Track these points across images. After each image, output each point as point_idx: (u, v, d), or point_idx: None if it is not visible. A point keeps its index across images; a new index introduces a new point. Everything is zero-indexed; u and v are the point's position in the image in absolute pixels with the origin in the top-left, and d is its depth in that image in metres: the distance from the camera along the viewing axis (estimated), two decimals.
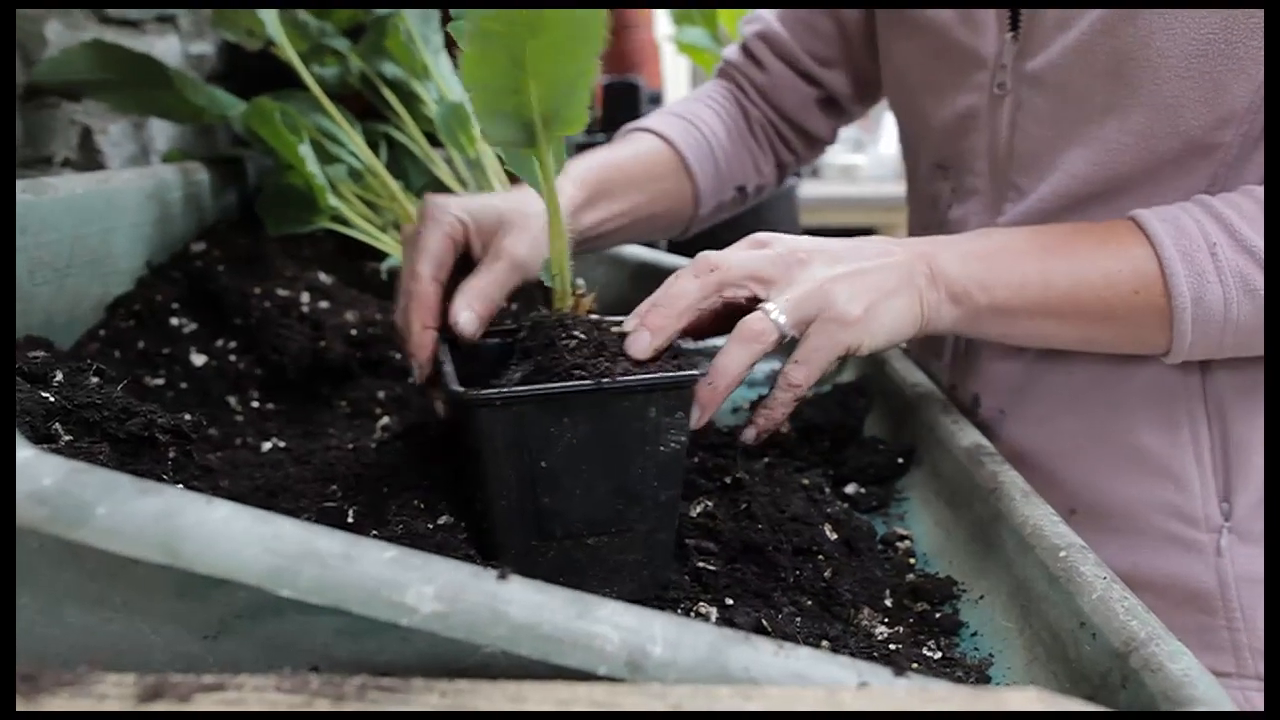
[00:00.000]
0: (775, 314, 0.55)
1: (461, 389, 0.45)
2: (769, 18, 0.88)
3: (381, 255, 0.87)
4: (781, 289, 0.56)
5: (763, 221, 1.60)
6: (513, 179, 0.95)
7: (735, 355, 0.55)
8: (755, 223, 1.13)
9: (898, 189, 3.05)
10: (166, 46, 1.01)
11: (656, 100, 2.12)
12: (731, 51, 0.92)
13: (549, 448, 0.47)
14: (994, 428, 0.73)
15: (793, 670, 0.30)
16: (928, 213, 0.79)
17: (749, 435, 0.60)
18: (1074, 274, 0.59)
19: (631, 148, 0.81)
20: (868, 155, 3.17)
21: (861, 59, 0.86)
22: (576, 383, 0.46)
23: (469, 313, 0.57)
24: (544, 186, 0.48)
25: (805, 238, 0.60)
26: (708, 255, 0.57)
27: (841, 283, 0.57)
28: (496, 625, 0.29)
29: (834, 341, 0.56)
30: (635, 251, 1.04)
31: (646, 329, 0.53)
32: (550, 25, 0.42)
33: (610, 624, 0.29)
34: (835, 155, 3.16)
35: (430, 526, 0.52)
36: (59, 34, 0.84)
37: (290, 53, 0.82)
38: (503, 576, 0.30)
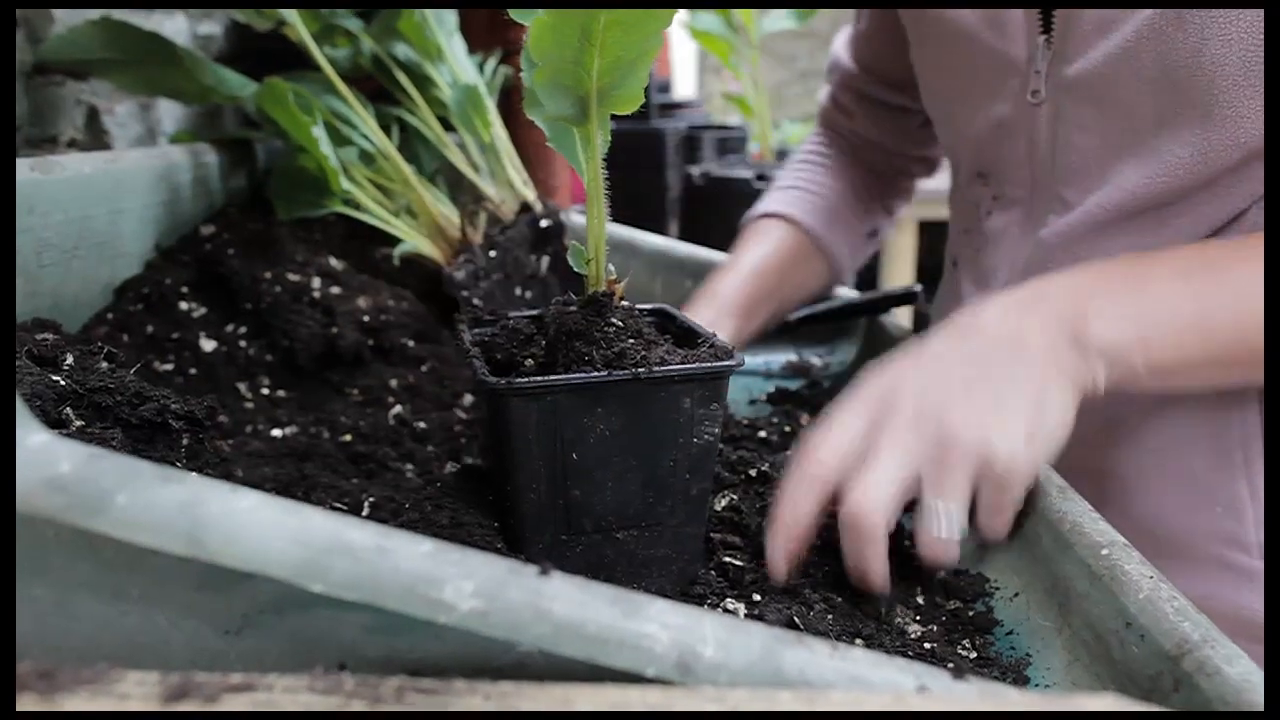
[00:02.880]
0: (948, 522, 0.49)
1: (493, 378, 0.44)
2: (842, 58, 0.91)
3: (393, 240, 0.86)
4: (937, 480, 0.49)
5: None
6: (527, 166, 0.93)
7: (876, 562, 0.49)
8: None
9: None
10: (174, 26, 0.99)
11: (665, 88, 2.10)
12: (824, 98, 0.95)
13: (581, 439, 0.45)
14: None
15: (849, 673, 0.28)
16: (968, 218, 0.77)
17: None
18: (1237, 310, 0.53)
19: (766, 245, 0.85)
20: None
21: None
22: (612, 372, 0.44)
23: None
24: (587, 165, 0.46)
25: (911, 370, 0.53)
26: (818, 470, 0.50)
27: (984, 426, 0.49)
28: (539, 623, 0.28)
29: (1010, 494, 0.50)
30: (651, 240, 1.03)
31: (779, 559, 0.50)
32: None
33: (659, 623, 0.28)
34: None
35: (450, 518, 0.51)
36: (66, 11, 0.82)
37: (303, 32, 0.80)
38: (544, 572, 0.29)
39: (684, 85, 3.26)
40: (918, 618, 0.51)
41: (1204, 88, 0.56)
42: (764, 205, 0.89)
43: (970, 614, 0.51)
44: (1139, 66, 0.58)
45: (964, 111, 0.71)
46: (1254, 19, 0.54)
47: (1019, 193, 0.69)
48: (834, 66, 0.93)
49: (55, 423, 0.43)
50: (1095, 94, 0.61)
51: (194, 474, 0.30)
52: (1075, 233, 0.65)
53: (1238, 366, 0.54)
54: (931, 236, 3.11)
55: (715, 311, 0.77)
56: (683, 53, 3.17)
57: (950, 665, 0.46)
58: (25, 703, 0.25)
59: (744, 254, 0.84)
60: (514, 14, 0.46)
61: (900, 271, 3.03)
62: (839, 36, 0.94)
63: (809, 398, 0.78)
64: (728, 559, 0.53)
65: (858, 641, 0.47)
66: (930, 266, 3.10)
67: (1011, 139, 0.67)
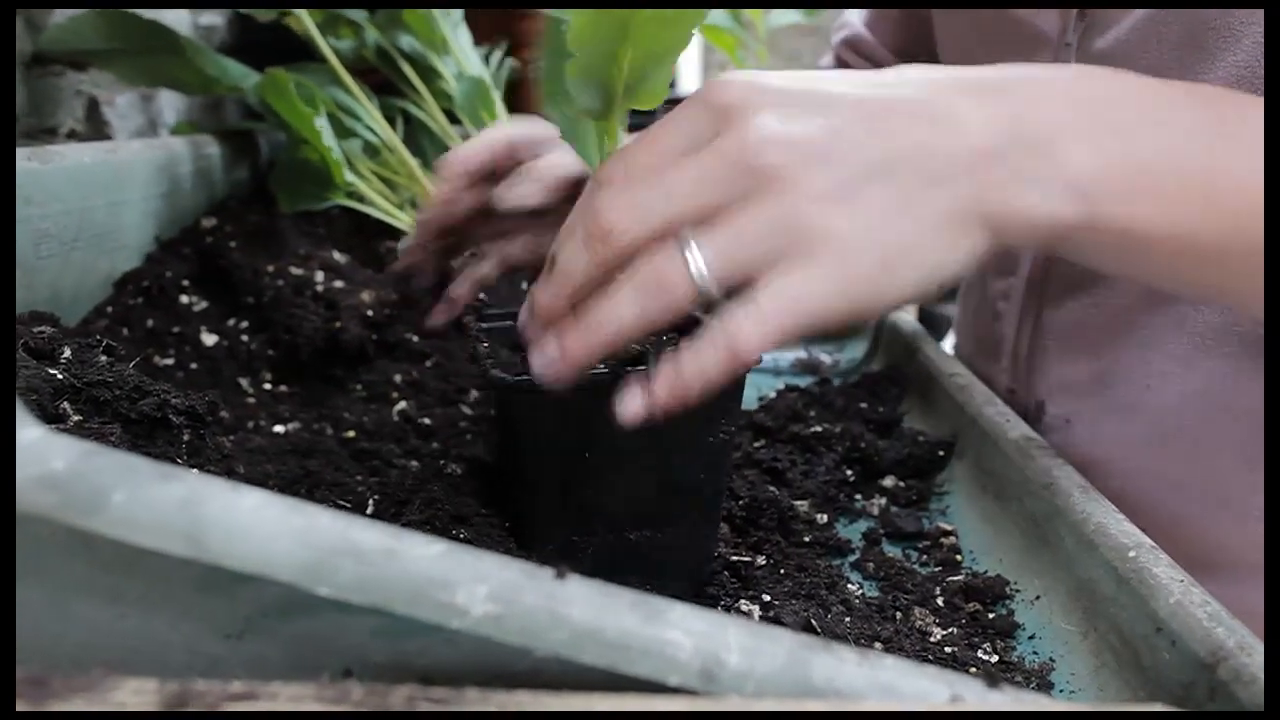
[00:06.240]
0: (695, 260, 0.35)
1: (503, 374, 0.42)
2: (855, 21, 0.87)
3: (398, 234, 0.84)
4: (727, 218, 0.35)
5: None
6: None
7: (625, 305, 0.36)
8: None
9: None
10: (175, 17, 0.97)
11: (670, 84, 2.09)
12: (825, 62, 0.92)
13: (593, 437, 0.44)
14: (1058, 439, 0.68)
15: (881, 682, 0.27)
16: None
17: (629, 406, 0.38)
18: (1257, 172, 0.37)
19: None
20: None
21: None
22: (626, 366, 0.43)
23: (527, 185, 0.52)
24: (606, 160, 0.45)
25: (778, 89, 0.36)
26: (600, 213, 0.36)
27: (838, 210, 0.35)
28: (556, 629, 0.26)
29: (811, 303, 0.35)
30: None
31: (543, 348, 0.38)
32: None
33: (682, 629, 0.27)
34: None
35: (456, 518, 0.49)
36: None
37: (307, 23, 0.79)
38: (561, 575, 0.27)
39: (688, 82, 3.25)
40: (937, 621, 0.50)
41: (1229, 46, 0.54)
42: None
43: (990, 617, 0.50)
44: (1165, 31, 0.56)
45: None
46: None
47: None
48: (842, 25, 0.90)
49: (52, 417, 0.42)
50: (1121, 65, 0.60)
51: (194, 471, 0.29)
52: None
53: (1232, 261, 0.38)
54: None
55: None
56: (686, 50, 3.14)
57: (973, 670, 0.45)
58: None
59: None
60: (551, 14, 0.46)
61: None
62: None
63: (819, 395, 0.76)
64: (742, 559, 0.52)
65: (877, 645, 0.46)
66: None
67: None
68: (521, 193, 0.52)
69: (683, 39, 0.41)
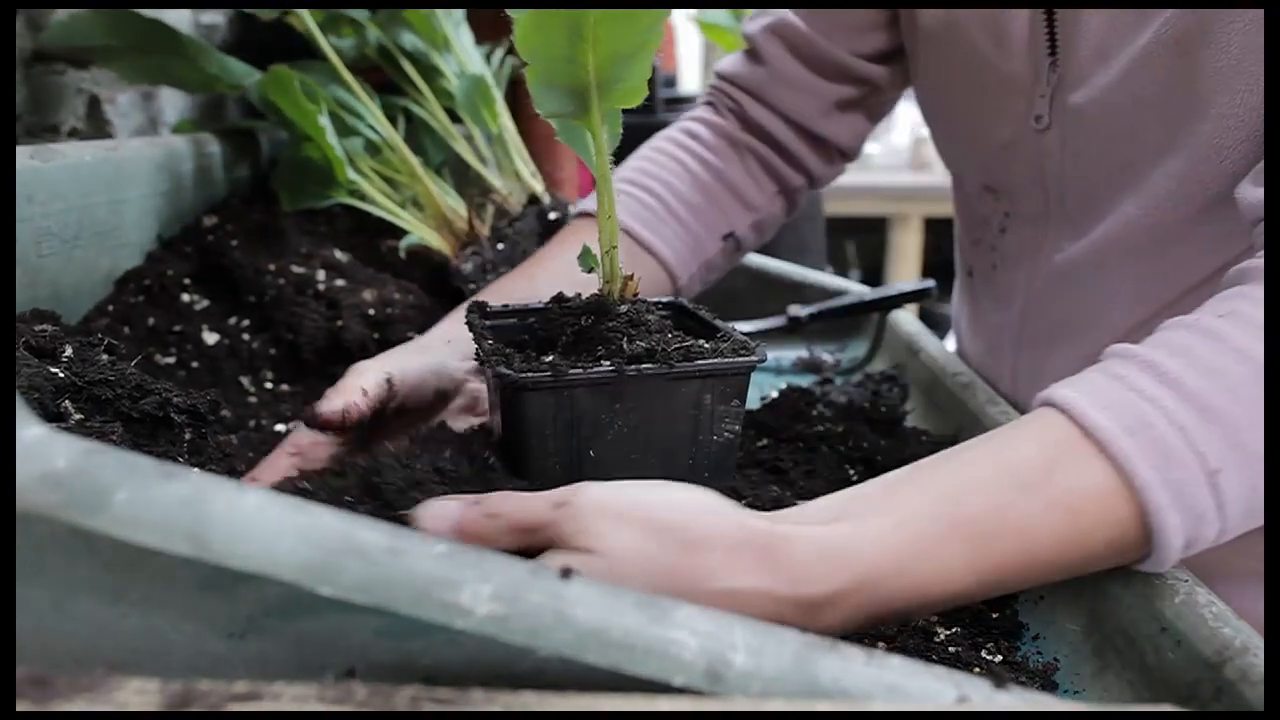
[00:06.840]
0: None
1: (510, 371, 0.42)
2: (785, 13, 0.75)
3: (399, 233, 0.84)
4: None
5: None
6: (535, 158, 0.92)
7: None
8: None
9: (911, 178, 3.01)
10: (176, 16, 0.97)
11: (671, 83, 2.09)
12: (726, 63, 0.78)
13: (599, 435, 0.44)
14: None
15: (887, 682, 0.27)
16: (978, 229, 0.74)
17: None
18: (1021, 562, 0.41)
19: (568, 248, 0.69)
20: (881, 144, 3.13)
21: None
22: (632, 366, 0.43)
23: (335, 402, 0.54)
24: (596, 159, 0.45)
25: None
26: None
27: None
28: (560, 629, 0.26)
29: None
30: None
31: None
32: None
33: (687, 629, 0.26)
34: None
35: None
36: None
37: (309, 21, 0.79)
38: (565, 575, 0.27)
39: (689, 80, 3.24)
40: (940, 620, 0.49)
41: (1197, 117, 0.54)
42: (583, 203, 0.75)
43: (994, 617, 0.50)
44: (1138, 96, 0.57)
45: (969, 126, 0.68)
46: (1247, 55, 0.52)
47: (1033, 210, 0.67)
48: (765, 13, 0.76)
49: (53, 416, 0.42)
50: (1094, 122, 0.59)
51: (197, 470, 0.28)
52: (1086, 260, 0.63)
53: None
54: (937, 234, 3.10)
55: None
56: (687, 47, 3.15)
57: (976, 670, 0.45)
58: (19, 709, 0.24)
59: (541, 258, 0.70)
60: (513, 14, 0.45)
61: (906, 269, 3.01)
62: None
63: (821, 394, 0.76)
64: None
65: (880, 644, 0.46)
66: (936, 264, 3.08)
67: (1021, 161, 0.65)
68: (330, 406, 0.55)
69: (652, 35, 0.41)
